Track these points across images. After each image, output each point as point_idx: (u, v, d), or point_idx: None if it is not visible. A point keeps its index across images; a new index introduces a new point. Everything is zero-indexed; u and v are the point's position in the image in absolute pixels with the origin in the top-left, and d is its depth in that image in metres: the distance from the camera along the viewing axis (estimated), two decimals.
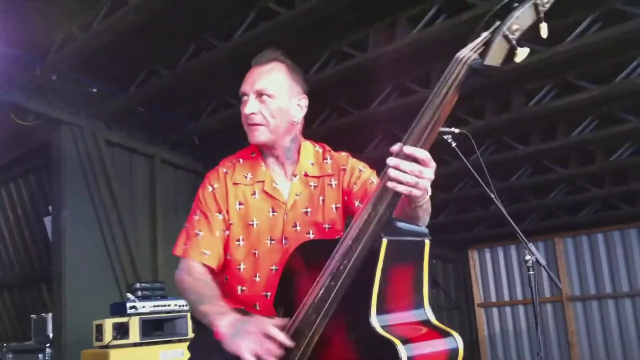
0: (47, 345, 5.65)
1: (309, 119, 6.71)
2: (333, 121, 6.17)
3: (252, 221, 2.01)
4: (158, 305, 4.49)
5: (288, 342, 1.68)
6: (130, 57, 5.49)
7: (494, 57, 1.57)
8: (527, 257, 3.56)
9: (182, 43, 5.28)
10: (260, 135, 2.02)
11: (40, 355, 5.66)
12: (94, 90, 6.04)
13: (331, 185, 2.09)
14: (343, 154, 2.18)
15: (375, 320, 1.55)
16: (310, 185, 2.07)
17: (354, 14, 4.79)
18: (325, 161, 2.13)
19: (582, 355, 9.16)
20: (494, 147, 6.74)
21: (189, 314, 4.49)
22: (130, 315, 4.39)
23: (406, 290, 1.66)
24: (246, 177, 2.07)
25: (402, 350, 1.48)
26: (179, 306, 4.53)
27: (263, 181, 2.05)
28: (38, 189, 7.03)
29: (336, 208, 2.07)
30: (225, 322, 1.74)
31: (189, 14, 4.83)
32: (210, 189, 2.07)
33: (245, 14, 4.84)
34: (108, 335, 4.31)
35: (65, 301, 5.77)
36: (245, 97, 2.04)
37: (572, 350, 9.14)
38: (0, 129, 6.41)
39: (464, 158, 3.65)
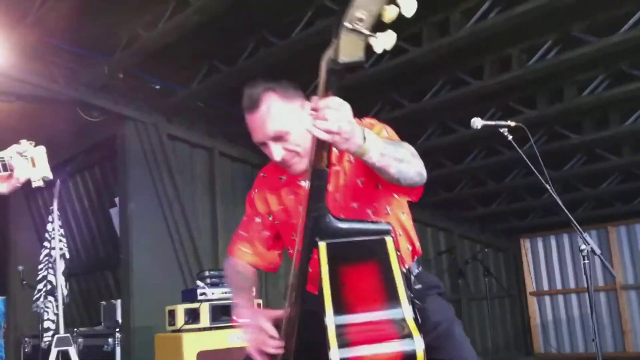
0: (117, 330, 5.96)
1: (362, 110, 6.83)
2: (386, 113, 6.31)
3: (292, 219, 2.13)
4: (225, 292, 4.73)
5: (274, 334, 1.91)
6: (191, 55, 5.73)
7: (349, 53, 1.44)
8: (582, 247, 3.63)
9: (242, 41, 5.48)
10: (299, 167, 2.03)
11: (110, 340, 5.97)
12: (157, 86, 6.32)
13: (350, 161, 2.03)
14: (365, 120, 2.10)
15: (330, 321, 1.54)
16: (335, 170, 2.03)
17: None
18: None
19: (635, 343, 9.10)
20: (546, 136, 6.78)
21: None
22: (200, 301, 4.65)
23: (372, 291, 1.61)
24: (281, 179, 2.17)
25: (334, 354, 1.50)
26: None
27: (292, 181, 2.11)
28: (103, 181, 7.36)
29: (362, 182, 2.01)
30: (242, 315, 2.05)
31: (248, 13, 5.03)
32: (252, 194, 2.27)
33: (302, 12, 5.01)
34: (180, 319, 4.57)
35: (132, 288, 6.08)
36: (263, 145, 2.05)
37: (625, 338, 9.09)
38: (68, 124, 6.75)
39: (520, 151, 3.74)
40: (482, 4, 4.81)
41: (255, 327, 1.96)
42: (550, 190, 3.82)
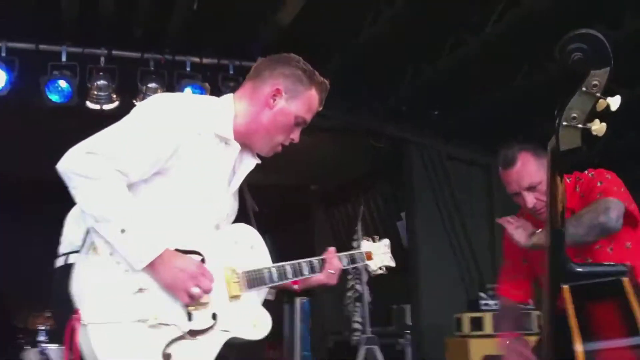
0: (407, 331, 6.72)
1: None
2: None
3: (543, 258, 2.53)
4: None
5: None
6: (465, 85, 6.28)
7: (568, 142, 1.72)
8: None
9: (516, 65, 5.89)
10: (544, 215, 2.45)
11: (401, 340, 6.75)
12: (435, 112, 7.00)
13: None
14: (592, 175, 2.51)
15: (579, 347, 1.77)
16: None
17: None
18: (575, 189, 2.51)
19: None
20: None
21: (534, 312, 5.10)
22: (483, 311, 5.17)
23: (614, 322, 1.83)
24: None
25: None
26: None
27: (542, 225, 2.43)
28: (391, 197, 8.26)
29: None
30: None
31: (523, 43, 5.39)
32: (507, 241, 2.71)
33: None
34: (466, 326, 5.14)
35: (420, 294, 6.81)
36: (518, 195, 2.53)
37: None
38: (361, 149, 7.79)
39: None
40: None
41: (515, 350, 2.44)
42: None
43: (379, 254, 2.53)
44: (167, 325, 1.79)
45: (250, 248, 2.11)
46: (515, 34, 5.11)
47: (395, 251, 7.97)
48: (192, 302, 1.83)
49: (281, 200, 10.03)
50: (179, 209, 1.91)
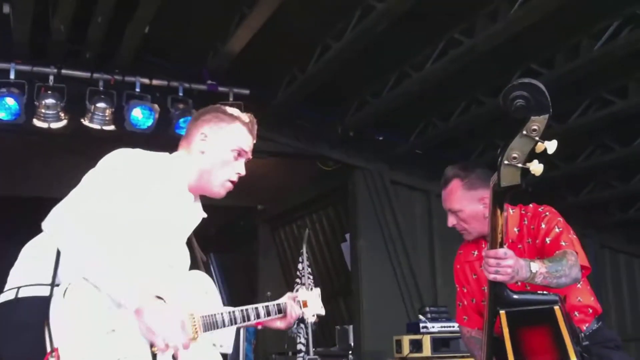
0: (350, 352, 6.85)
1: (574, 154, 6.88)
2: (598, 157, 6.50)
3: (484, 288, 2.59)
4: (444, 326, 5.38)
5: None
6: (410, 113, 6.53)
7: (509, 180, 1.91)
8: None
9: (455, 101, 6.17)
10: (466, 237, 2.70)
11: None
12: (380, 138, 7.23)
13: (529, 242, 2.59)
14: (541, 209, 2.65)
15: None
16: (518, 248, 2.60)
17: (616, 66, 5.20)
18: (524, 222, 2.65)
19: None
20: None
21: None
22: (423, 333, 5.34)
23: (546, 347, 2.00)
24: (474, 254, 2.77)
25: None
26: None
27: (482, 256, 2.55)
28: (336, 220, 8.42)
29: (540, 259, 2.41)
30: None
31: (464, 79, 5.66)
32: (456, 268, 2.89)
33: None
34: (406, 348, 5.31)
35: (362, 316, 6.97)
36: (448, 213, 2.74)
37: None
38: (308, 173, 7.95)
39: None
40: None
41: None
42: None
43: (312, 303, 2.60)
44: None
45: (205, 293, 2.24)
46: (455, 71, 5.38)
47: (339, 273, 8.16)
48: (165, 349, 1.91)
49: (227, 221, 10.10)
50: (142, 253, 2.02)
